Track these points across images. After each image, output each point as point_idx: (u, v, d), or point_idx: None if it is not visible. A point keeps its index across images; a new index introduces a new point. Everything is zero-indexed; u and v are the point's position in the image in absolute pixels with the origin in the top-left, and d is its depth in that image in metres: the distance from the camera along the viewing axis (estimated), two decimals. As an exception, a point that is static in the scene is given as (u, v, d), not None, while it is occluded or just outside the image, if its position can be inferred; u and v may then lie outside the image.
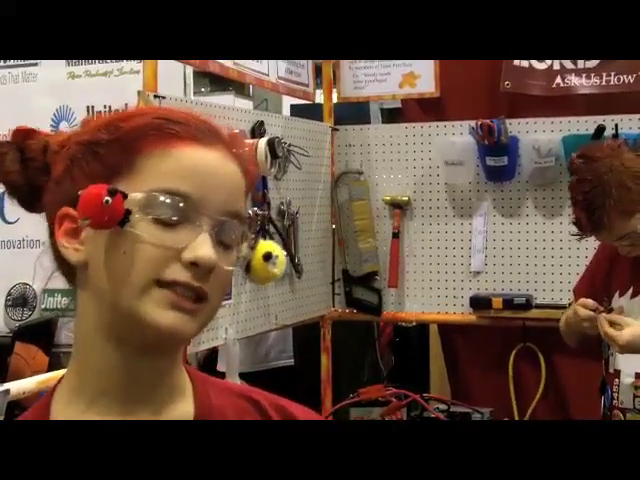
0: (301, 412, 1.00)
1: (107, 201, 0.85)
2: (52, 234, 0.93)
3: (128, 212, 0.86)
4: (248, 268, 0.96)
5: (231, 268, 0.91)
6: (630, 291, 2.41)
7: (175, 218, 0.87)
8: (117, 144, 0.89)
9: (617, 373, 2.43)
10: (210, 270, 0.87)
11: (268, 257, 0.97)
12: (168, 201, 0.87)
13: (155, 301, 0.86)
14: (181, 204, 0.87)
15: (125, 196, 0.86)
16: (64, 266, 0.93)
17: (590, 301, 2.38)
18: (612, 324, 2.29)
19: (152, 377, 0.92)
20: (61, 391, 0.94)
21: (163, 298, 0.86)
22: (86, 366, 0.92)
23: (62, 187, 0.91)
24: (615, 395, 2.43)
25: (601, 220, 2.23)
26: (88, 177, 0.89)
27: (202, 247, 0.87)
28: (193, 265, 0.87)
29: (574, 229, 2.39)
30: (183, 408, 0.94)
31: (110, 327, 0.89)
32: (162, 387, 0.93)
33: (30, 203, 0.96)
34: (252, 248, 0.95)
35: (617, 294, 2.45)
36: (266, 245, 0.98)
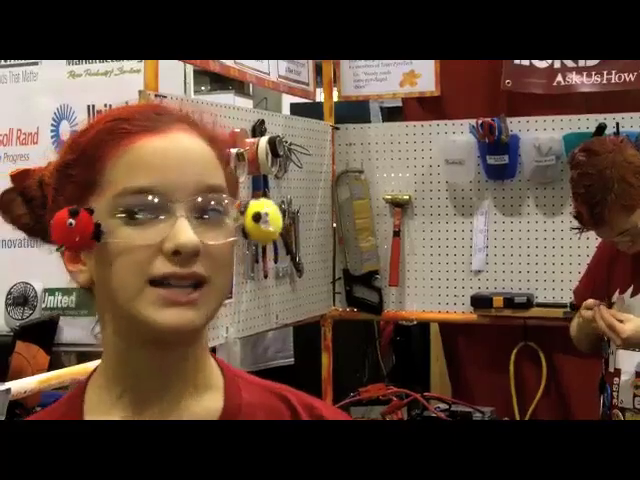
0: (329, 412, 1.00)
1: (70, 223, 0.86)
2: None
3: (97, 225, 0.86)
4: (244, 233, 0.94)
5: (218, 243, 0.89)
6: (630, 289, 2.41)
7: (146, 214, 0.87)
8: (82, 160, 0.90)
9: (617, 372, 2.43)
10: (195, 253, 0.86)
11: (257, 218, 0.94)
12: (134, 201, 0.86)
13: (150, 301, 0.86)
14: (148, 199, 0.87)
15: (91, 211, 0.87)
16: (81, 286, 0.95)
17: (591, 301, 2.38)
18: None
19: (173, 370, 0.93)
20: (93, 387, 0.97)
21: (156, 297, 0.86)
22: (112, 366, 0.94)
23: (52, 216, 0.92)
24: (615, 394, 2.43)
25: (602, 215, 2.23)
26: (67, 201, 0.89)
27: (180, 233, 0.86)
28: (177, 254, 0.86)
29: (575, 227, 2.40)
30: (212, 402, 0.95)
31: (124, 329, 0.91)
32: (186, 380, 0.93)
33: (46, 236, 0.96)
34: (242, 212, 0.94)
35: (617, 292, 2.45)
36: (255, 205, 0.95)
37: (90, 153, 0.90)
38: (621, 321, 2.29)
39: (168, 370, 0.92)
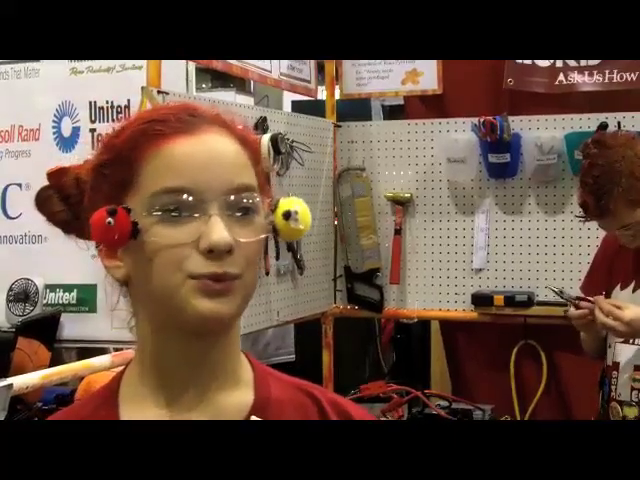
0: (357, 411, 1.02)
1: (109, 222, 0.89)
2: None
3: (135, 224, 0.90)
4: (275, 230, 0.98)
5: (250, 240, 0.92)
6: (632, 285, 2.42)
7: (181, 213, 0.90)
8: (117, 160, 0.93)
9: (615, 365, 2.44)
10: (229, 250, 0.90)
11: (287, 215, 0.98)
12: (169, 200, 0.90)
13: (190, 292, 0.90)
14: (182, 198, 0.90)
15: (128, 210, 0.90)
16: (118, 281, 0.97)
17: (584, 303, 2.41)
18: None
19: (205, 361, 0.95)
20: (128, 380, 0.99)
21: (196, 287, 0.90)
22: (146, 359, 0.97)
23: (89, 214, 0.95)
24: (613, 387, 2.44)
25: (607, 206, 2.26)
26: (104, 199, 0.93)
27: (214, 232, 0.89)
28: (211, 252, 0.89)
29: (579, 216, 2.43)
30: (242, 397, 0.98)
31: (160, 323, 0.94)
32: (217, 373, 0.96)
33: (83, 233, 0.99)
34: (273, 210, 0.97)
35: (618, 287, 2.46)
36: (285, 203, 0.98)
37: (125, 154, 0.93)
38: (619, 308, 2.30)
39: (200, 361, 0.95)
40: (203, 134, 0.93)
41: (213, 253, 0.89)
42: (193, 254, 0.90)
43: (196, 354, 0.95)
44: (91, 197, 0.95)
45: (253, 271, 0.94)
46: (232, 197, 0.91)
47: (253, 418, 0.95)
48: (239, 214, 0.92)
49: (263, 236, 0.94)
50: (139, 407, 0.96)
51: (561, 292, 2.51)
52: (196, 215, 0.90)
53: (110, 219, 0.89)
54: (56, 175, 1.00)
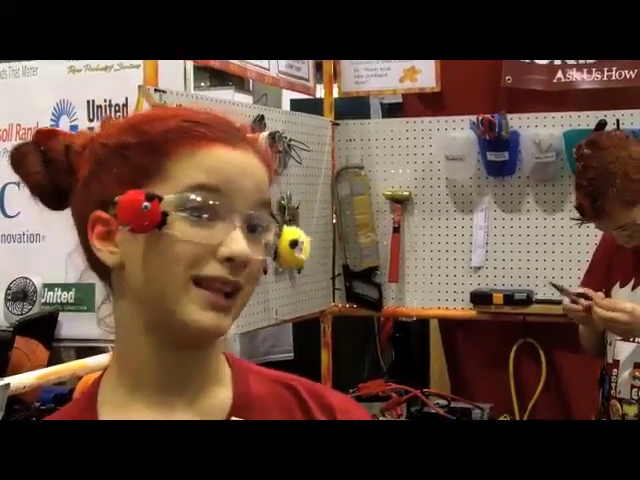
0: (339, 400, 1.02)
1: (146, 207, 0.88)
2: (80, 233, 0.95)
3: (165, 215, 0.88)
4: (275, 255, 0.99)
5: (261, 258, 0.93)
6: (631, 283, 2.42)
7: (207, 215, 0.90)
8: (146, 147, 0.91)
9: (615, 363, 2.43)
10: (245, 264, 0.90)
11: (294, 244, 1.00)
12: (200, 199, 0.89)
13: (194, 302, 0.89)
14: (212, 202, 0.89)
15: (160, 199, 0.88)
16: (97, 266, 0.95)
17: (575, 307, 2.40)
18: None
19: (191, 369, 0.95)
20: (105, 382, 0.98)
21: (202, 298, 0.89)
22: (127, 361, 0.95)
23: (90, 190, 0.93)
24: (613, 385, 2.44)
25: (603, 207, 2.26)
26: (118, 181, 0.91)
27: (236, 242, 0.90)
28: (229, 260, 0.89)
29: (575, 218, 2.42)
30: (221, 395, 0.97)
31: (149, 324, 0.92)
32: (200, 377, 0.96)
33: (55, 203, 0.97)
34: (277, 235, 0.98)
35: (617, 285, 2.46)
36: (291, 232, 1.01)
37: (157, 144, 0.91)
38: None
39: (184, 369, 0.94)
40: (239, 148, 0.93)
41: (231, 262, 0.89)
42: (209, 259, 0.89)
43: (181, 361, 0.94)
44: (96, 173, 0.93)
45: (252, 288, 0.95)
46: (254, 212, 0.92)
47: (233, 418, 0.95)
48: (253, 230, 0.93)
49: (266, 257, 0.95)
50: (119, 411, 0.94)
51: (562, 289, 2.51)
52: (220, 222, 0.90)
53: (147, 203, 0.88)
54: (46, 135, 0.97)
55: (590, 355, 2.63)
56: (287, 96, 4.78)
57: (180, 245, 0.89)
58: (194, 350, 0.94)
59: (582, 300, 2.38)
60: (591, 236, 3.03)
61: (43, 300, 3.38)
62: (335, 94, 3.60)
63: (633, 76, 3.09)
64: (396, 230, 3.40)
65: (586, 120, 3.12)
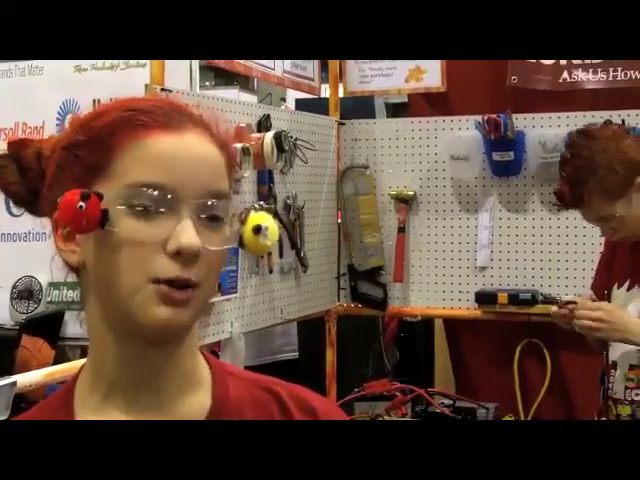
0: (320, 404, 1.00)
1: (81, 206, 0.86)
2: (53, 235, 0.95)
3: (105, 212, 0.87)
4: (241, 242, 0.97)
5: (218, 248, 0.90)
6: (627, 283, 2.42)
7: (153, 209, 0.87)
8: (92, 144, 0.90)
9: (614, 364, 2.44)
10: (196, 255, 0.88)
11: (258, 230, 0.98)
12: (143, 194, 0.87)
13: (148, 298, 0.87)
14: (157, 194, 0.87)
15: (101, 197, 0.87)
16: (69, 265, 0.94)
17: (560, 312, 2.42)
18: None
19: (161, 367, 0.93)
20: (81, 382, 0.96)
21: (155, 294, 0.87)
22: (99, 359, 0.94)
23: (52, 192, 0.92)
24: (611, 386, 2.45)
25: (582, 197, 2.29)
26: (72, 180, 0.90)
27: (184, 234, 0.87)
28: (178, 254, 0.87)
29: (555, 204, 2.47)
30: (199, 399, 0.95)
31: (113, 322, 0.91)
32: (174, 377, 0.94)
33: (35, 209, 0.97)
34: (243, 222, 0.96)
35: (616, 286, 2.46)
36: (256, 217, 0.98)
37: (103, 138, 0.90)
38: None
39: (154, 367, 0.92)
40: (186, 133, 0.90)
41: (180, 256, 0.87)
42: (159, 255, 0.87)
43: (150, 359, 0.92)
44: (57, 175, 0.92)
45: (213, 281, 0.92)
46: (206, 202, 0.89)
47: None
48: (209, 220, 0.90)
49: (228, 247, 0.92)
50: (94, 412, 0.93)
51: (551, 299, 2.54)
52: (167, 214, 0.87)
53: (82, 203, 0.86)
54: (16, 145, 0.97)
55: (598, 351, 2.63)
56: (292, 96, 4.78)
57: (128, 243, 0.87)
58: (161, 346, 0.92)
59: (569, 306, 2.40)
60: (596, 236, 3.02)
61: (49, 299, 3.38)
62: (340, 94, 3.60)
63: (639, 76, 3.09)
64: (401, 230, 3.39)
65: (591, 120, 3.10)
